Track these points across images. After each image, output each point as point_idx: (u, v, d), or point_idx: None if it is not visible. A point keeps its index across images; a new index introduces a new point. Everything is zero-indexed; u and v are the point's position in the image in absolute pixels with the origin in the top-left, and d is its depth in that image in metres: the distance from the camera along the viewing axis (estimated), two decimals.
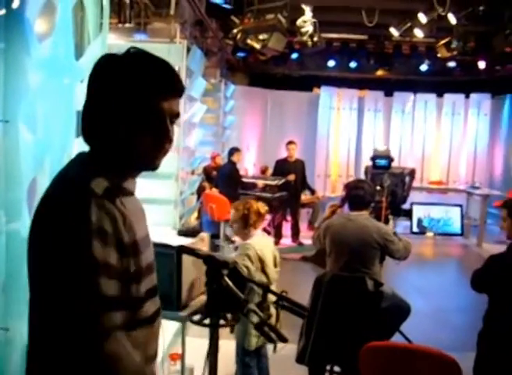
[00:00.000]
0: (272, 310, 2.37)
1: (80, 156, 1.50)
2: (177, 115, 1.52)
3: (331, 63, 12.28)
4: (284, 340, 2.04)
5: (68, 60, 2.79)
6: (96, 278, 1.32)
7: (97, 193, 1.38)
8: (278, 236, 9.40)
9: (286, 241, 9.52)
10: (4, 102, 2.29)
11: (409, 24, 9.01)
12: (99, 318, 1.32)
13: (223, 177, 8.68)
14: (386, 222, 4.17)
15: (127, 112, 1.43)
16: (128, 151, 1.46)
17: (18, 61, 2.36)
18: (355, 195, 4.12)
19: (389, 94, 13.36)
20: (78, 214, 1.32)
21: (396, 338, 4.03)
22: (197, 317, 2.24)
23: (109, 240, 1.36)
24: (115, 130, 1.44)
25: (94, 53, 3.08)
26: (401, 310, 3.89)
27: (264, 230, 9.99)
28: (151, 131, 1.46)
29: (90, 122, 1.48)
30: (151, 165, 1.53)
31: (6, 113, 2.30)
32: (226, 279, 2.00)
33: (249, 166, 12.08)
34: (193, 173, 8.04)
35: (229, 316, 2.15)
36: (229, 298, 2.01)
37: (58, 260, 1.31)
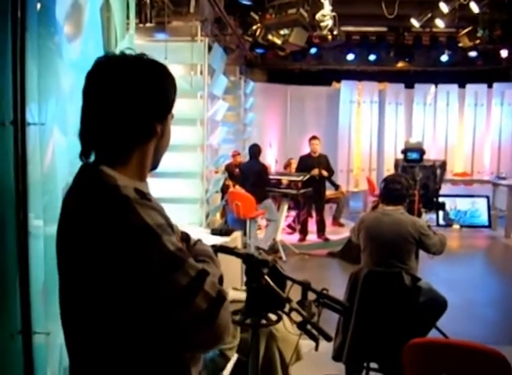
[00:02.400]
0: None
1: (90, 168, 1.46)
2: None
3: (350, 57, 12.19)
4: (329, 338, 2.01)
5: None
6: (184, 266, 1.34)
7: (132, 197, 1.37)
8: (304, 232, 9.35)
9: (312, 237, 9.47)
10: (39, 105, 2.28)
11: (430, 14, 8.90)
12: (206, 293, 1.35)
13: (252, 176, 8.52)
14: (419, 215, 4.11)
15: (151, 114, 1.46)
16: (149, 156, 1.50)
17: (51, 62, 2.36)
18: (392, 189, 4.06)
19: (409, 86, 13.22)
20: (132, 223, 1.32)
21: (431, 333, 3.99)
22: (237, 317, 2.20)
23: (168, 230, 1.38)
24: (133, 134, 1.46)
25: None
26: (438, 305, 3.85)
27: (290, 226, 9.98)
28: (167, 130, 1.53)
29: (104, 129, 1.45)
30: (157, 164, 1.59)
31: (41, 116, 2.29)
32: (267, 277, 1.97)
33: (271, 162, 12.05)
34: (217, 171, 8.02)
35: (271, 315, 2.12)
36: (269, 296, 1.97)
37: (140, 272, 1.31)
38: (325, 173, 9.19)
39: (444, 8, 8.37)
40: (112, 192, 1.37)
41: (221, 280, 1.50)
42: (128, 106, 1.42)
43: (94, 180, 1.42)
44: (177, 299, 1.31)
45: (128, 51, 1.49)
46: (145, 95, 1.44)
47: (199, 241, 1.72)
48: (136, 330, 1.36)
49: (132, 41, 3.22)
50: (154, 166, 1.57)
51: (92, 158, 1.49)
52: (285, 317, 2.01)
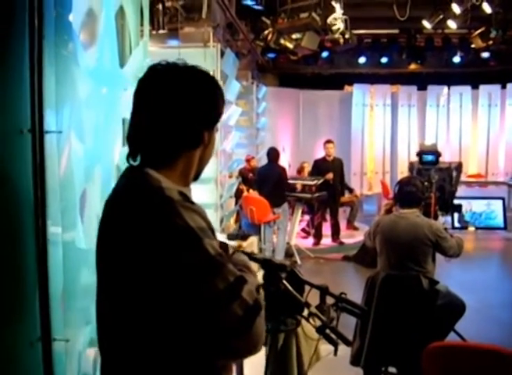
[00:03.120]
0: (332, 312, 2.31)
1: (135, 170, 1.49)
2: None
3: (362, 60, 12.17)
4: (348, 343, 2.00)
5: (113, 68, 2.79)
6: (223, 271, 1.35)
7: (176, 199, 1.38)
8: (318, 236, 9.33)
9: (326, 241, 9.44)
10: (56, 112, 2.29)
11: (442, 16, 8.86)
12: (243, 299, 1.35)
13: (271, 180, 8.44)
14: (435, 218, 4.08)
15: (201, 122, 1.50)
16: (194, 163, 1.54)
17: (67, 70, 2.37)
18: (407, 192, 4.03)
19: (422, 88, 13.19)
20: (175, 224, 1.33)
21: (449, 336, 3.96)
22: None
23: (209, 233, 1.39)
24: (185, 142, 1.49)
25: (137, 61, 3.08)
26: (456, 308, 3.81)
27: (304, 230, 9.97)
28: (212, 140, 1.57)
29: (154, 134, 1.48)
30: (200, 173, 1.62)
31: (58, 123, 2.31)
32: (285, 282, 1.96)
33: (284, 166, 12.04)
34: (230, 176, 8.02)
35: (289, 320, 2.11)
36: (288, 301, 1.97)
37: (180, 273, 1.31)
38: (330, 176, 9.12)
39: (456, 9, 8.34)
40: (156, 193, 1.38)
41: (258, 289, 1.49)
42: (180, 113, 1.46)
43: (138, 181, 1.44)
44: (214, 304, 1.31)
45: (179, 62, 1.52)
46: (197, 103, 1.48)
47: (236, 251, 1.73)
48: (172, 333, 1.36)
49: (146, 48, 3.22)
50: (197, 175, 1.60)
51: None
52: (304, 321, 2.00)
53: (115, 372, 1.47)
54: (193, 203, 1.44)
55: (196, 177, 1.60)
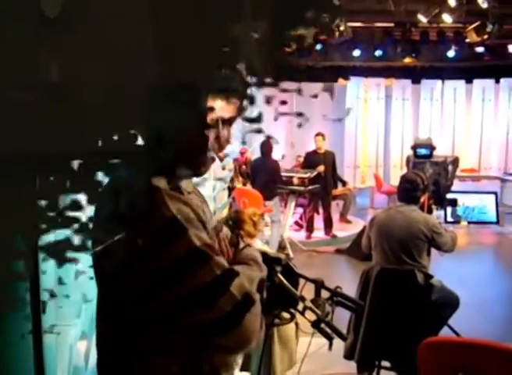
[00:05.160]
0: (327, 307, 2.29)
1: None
2: (229, 118, 1.51)
3: (356, 53, 12.12)
4: (343, 338, 1.98)
5: None
6: (209, 263, 1.30)
7: (162, 187, 1.35)
8: (310, 229, 9.31)
9: (319, 234, 9.42)
10: None
11: (437, 10, 8.84)
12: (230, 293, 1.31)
13: (264, 174, 8.41)
14: (429, 212, 4.09)
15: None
16: (175, 148, 1.41)
17: None
18: (403, 189, 4.05)
19: (416, 81, 13.17)
20: (159, 214, 1.29)
21: (442, 331, 3.96)
22: None
23: (197, 224, 1.34)
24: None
25: None
26: (450, 303, 3.82)
27: (297, 223, 9.94)
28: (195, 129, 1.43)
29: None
30: (197, 169, 1.51)
31: None
32: (280, 276, 1.94)
33: (278, 158, 12.02)
34: (223, 168, 7.97)
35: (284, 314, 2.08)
36: (283, 295, 1.95)
37: (163, 264, 1.27)
38: (322, 168, 9.08)
39: (452, 2, 8.32)
40: (142, 182, 1.34)
41: (261, 283, 1.47)
42: None
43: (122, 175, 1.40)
44: (199, 297, 1.28)
45: None
46: None
47: (248, 245, 1.70)
48: (161, 327, 1.34)
49: None
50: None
51: None
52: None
53: (109, 367, 1.45)
54: (181, 193, 1.40)
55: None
